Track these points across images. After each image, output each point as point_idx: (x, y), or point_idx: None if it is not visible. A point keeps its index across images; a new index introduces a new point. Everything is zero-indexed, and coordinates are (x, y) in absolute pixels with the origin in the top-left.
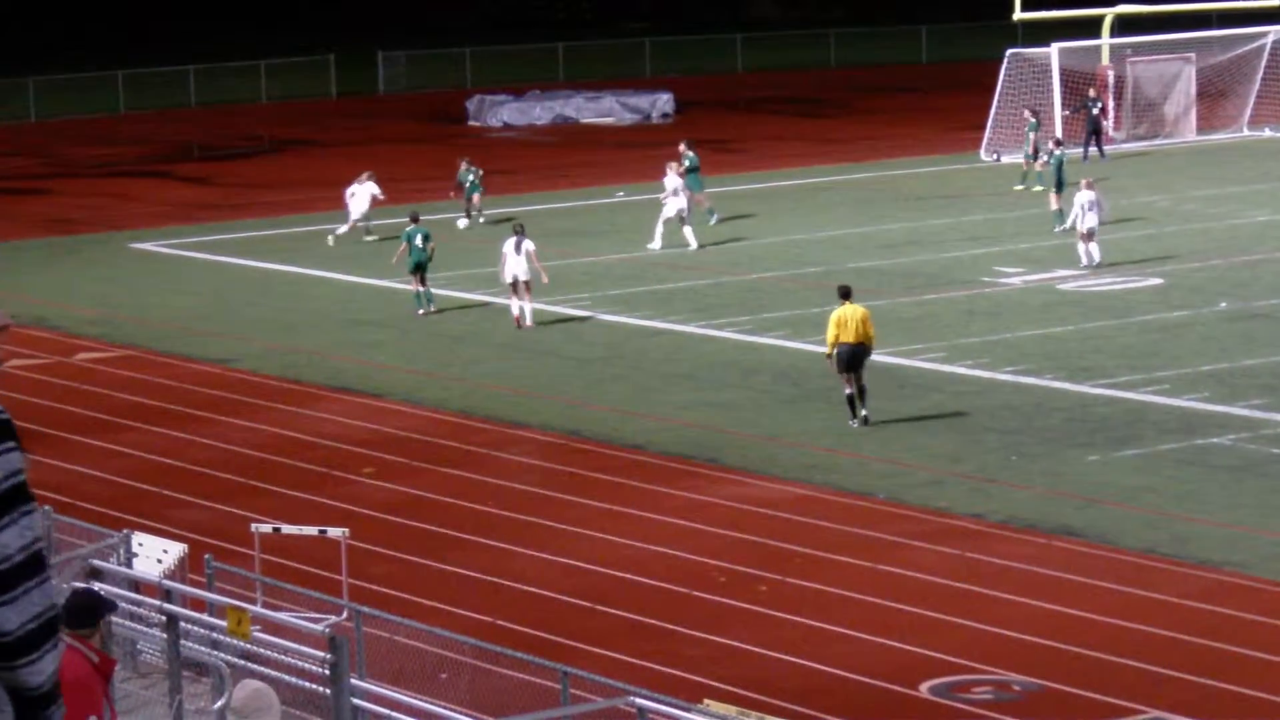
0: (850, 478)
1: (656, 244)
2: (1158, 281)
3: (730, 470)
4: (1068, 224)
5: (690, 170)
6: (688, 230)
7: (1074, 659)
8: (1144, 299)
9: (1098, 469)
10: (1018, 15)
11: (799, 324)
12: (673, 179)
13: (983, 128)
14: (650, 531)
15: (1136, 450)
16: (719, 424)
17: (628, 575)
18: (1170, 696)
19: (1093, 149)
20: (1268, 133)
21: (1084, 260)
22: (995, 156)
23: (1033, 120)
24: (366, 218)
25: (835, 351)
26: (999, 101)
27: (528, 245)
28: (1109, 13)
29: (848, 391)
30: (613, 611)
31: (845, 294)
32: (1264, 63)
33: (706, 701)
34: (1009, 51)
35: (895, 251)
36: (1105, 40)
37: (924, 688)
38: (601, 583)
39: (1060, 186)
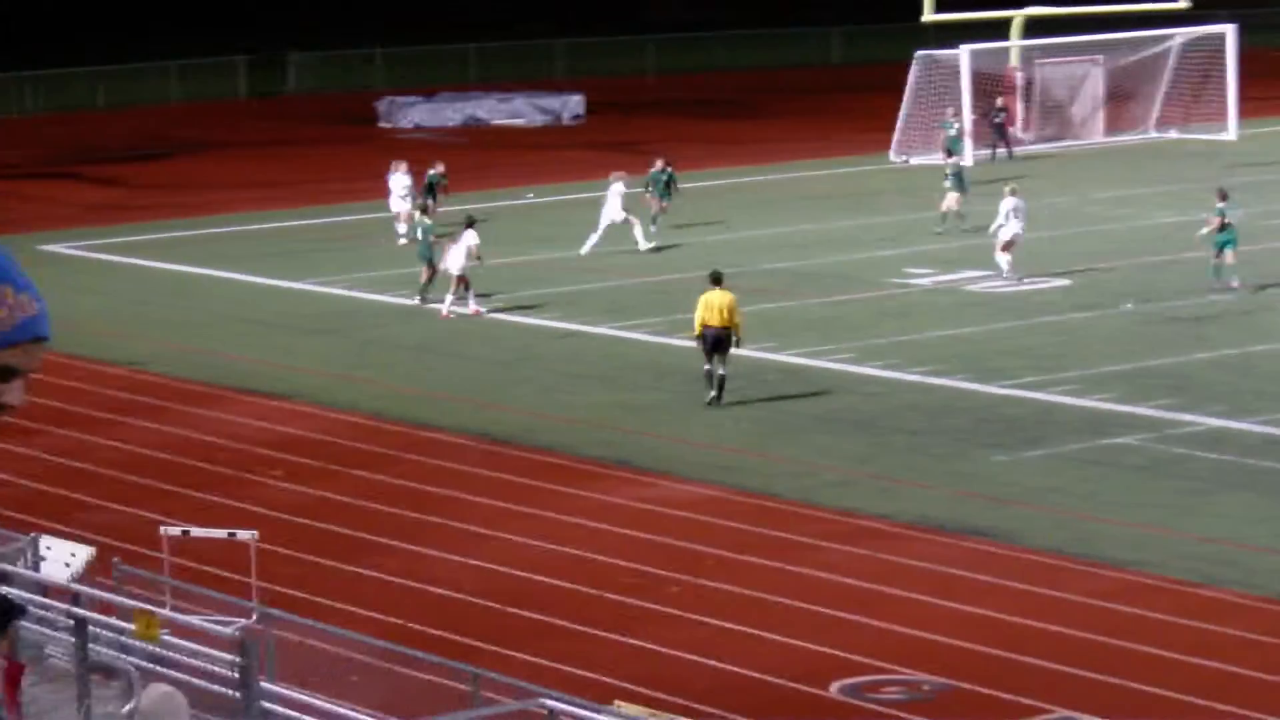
0: (759, 479)
1: (591, 245)
2: (1064, 283)
3: (641, 472)
4: (991, 229)
5: (665, 181)
6: (638, 230)
7: (983, 658)
8: (1051, 300)
9: (1005, 469)
10: (927, 17)
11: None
12: (618, 187)
13: (892, 130)
14: (561, 533)
15: (1043, 450)
16: (630, 425)
17: (539, 577)
18: (1078, 695)
19: (1000, 150)
20: (1174, 134)
21: (1005, 270)
22: (904, 159)
23: (953, 123)
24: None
25: (702, 333)
26: (909, 104)
27: (469, 239)
28: (1018, 15)
29: (706, 368)
30: (523, 613)
31: (716, 280)
32: (1171, 65)
33: (617, 702)
34: (918, 53)
35: (806, 253)
36: (1014, 42)
37: (834, 688)
38: (512, 584)
39: (961, 187)
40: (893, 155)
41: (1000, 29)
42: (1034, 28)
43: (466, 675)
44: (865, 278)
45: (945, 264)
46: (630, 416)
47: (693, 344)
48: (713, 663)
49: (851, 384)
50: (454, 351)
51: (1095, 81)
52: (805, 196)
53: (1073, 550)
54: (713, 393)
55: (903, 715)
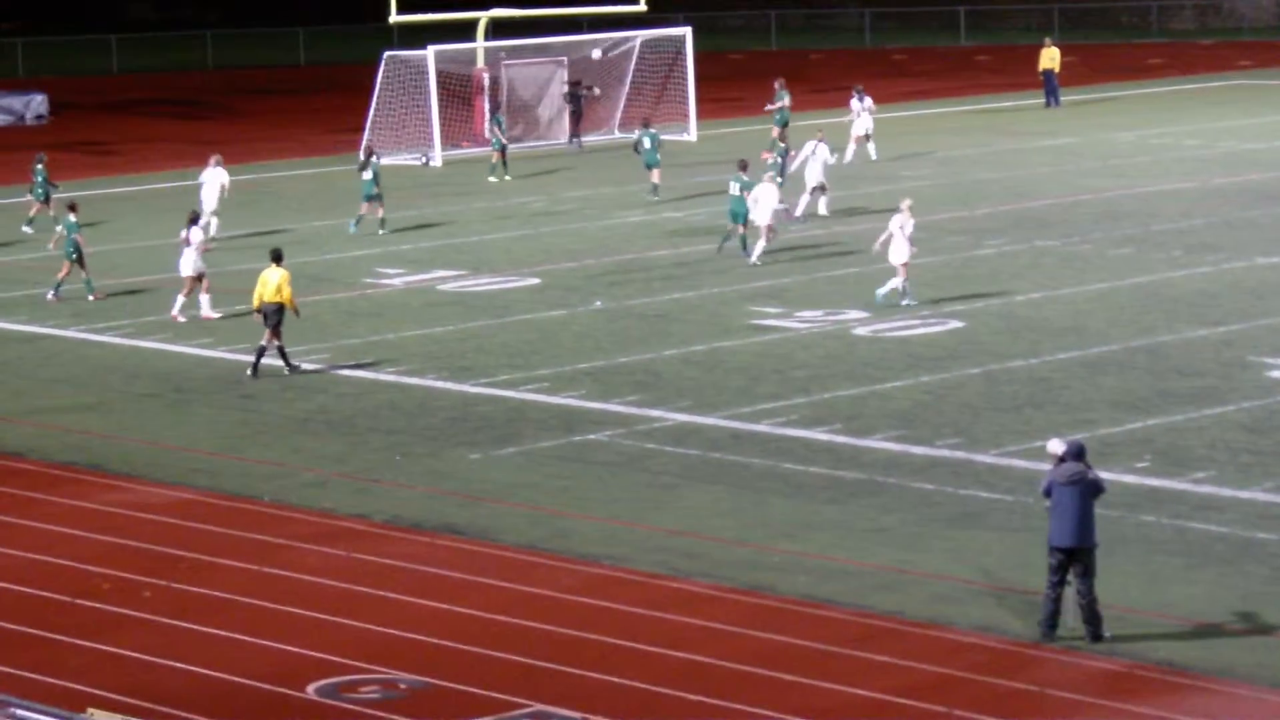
0: (234, 480)
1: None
2: (535, 281)
3: (113, 476)
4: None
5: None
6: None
7: (459, 655)
8: (522, 298)
9: (480, 467)
10: (394, 18)
11: (180, 328)
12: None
13: (361, 130)
14: (31, 539)
15: (517, 448)
16: (101, 429)
17: (8, 585)
18: (552, 689)
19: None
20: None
21: (799, 212)
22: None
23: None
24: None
25: (260, 308)
26: (377, 104)
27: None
28: (483, 16)
29: (262, 344)
30: None
31: (276, 257)
32: (633, 66)
33: (91, 711)
34: (385, 54)
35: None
36: (480, 43)
37: (310, 689)
38: None
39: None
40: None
41: (466, 30)
42: (499, 29)
43: None
44: (337, 278)
45: (416, 264)
46: (101, 420)
47: (253, 318)
48: (188, 667)
49: (327, 384)
50: None
51: (560, 83)
52: (277, 197)
53: (545, 546)
54: (256, 364)
55: (379, 714)
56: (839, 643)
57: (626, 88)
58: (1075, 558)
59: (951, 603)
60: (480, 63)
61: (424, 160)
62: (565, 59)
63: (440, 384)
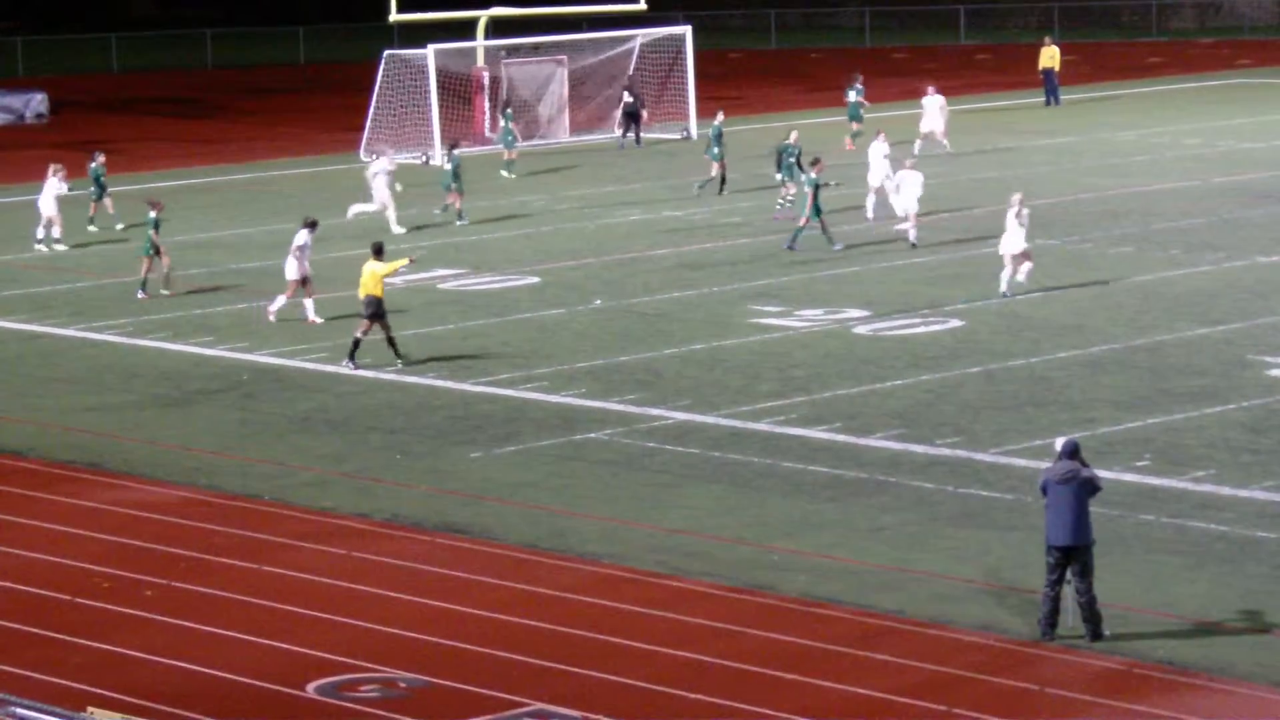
0: (234, 479)
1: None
2: (535, 280)
3: (113, 474)
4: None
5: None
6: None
7: (459, 654)
8: (521, 297)
9: (480, 466)
10: (394, 17)
11: (180, 326)
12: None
13: (361, 129)
14: (31, 538)
15: (517, 446)
16: (100, 428)
17: (8, 584)
18: (552, 688)
19: (630, 135)
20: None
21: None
22: (374, 157)
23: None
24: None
25: (365, 299)
26: (377, 102)
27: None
28: (483, 15)
29: (357, 335)
30: None
31: (376, 251)
32: (633, 65)
33: (91, 710)
34: (386, 53)
35: (279, 253)
36: (480, 42)
37: (310, 688)
38: None
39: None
40: (362, 154)
41: (466, 29)
42: (499, 28)
43: None
44: (337, 276)
45: (416, 263)
46: (100, 418)
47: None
48: (188, 666)
49: (327, 384)
50: None
51: (560, 81)
52: (277, 196)
53: (546, 545)
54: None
55: (379, 714)
56: (839, 642)
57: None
58: (1072, 556)
59: (952, 602)
60: (480, 61)
61: (424, 159)
62: (565, 58)
63: (440, 383)
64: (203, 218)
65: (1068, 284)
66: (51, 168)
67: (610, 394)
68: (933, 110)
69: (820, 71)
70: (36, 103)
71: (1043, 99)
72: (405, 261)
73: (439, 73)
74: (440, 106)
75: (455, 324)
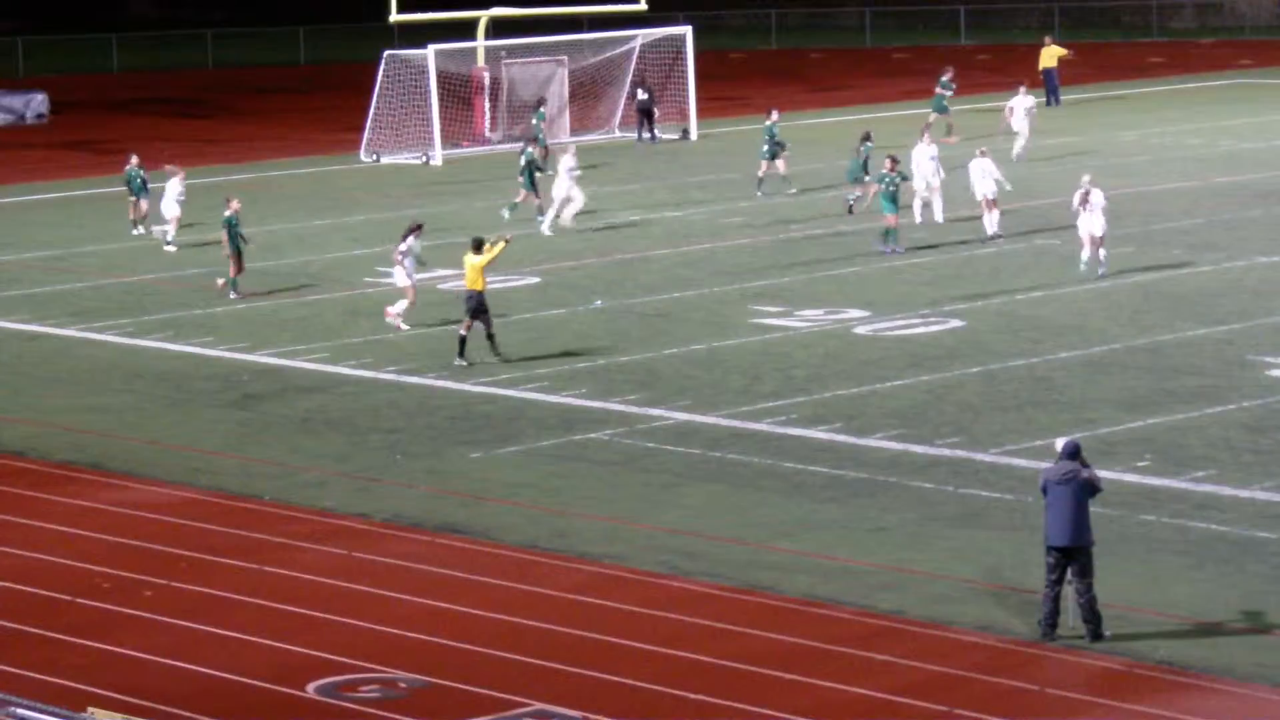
0: (235, 480)
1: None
2: (535, 280)
3: (114, 475)
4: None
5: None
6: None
7: (459, 654)
8: (522, 297)
9: (480, 466)
10: (394, 17)
11: (180, 326)
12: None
13: (362, 129)
14: (32, 538)
15: (517, 447)
16: (101, 428)
17: (8, 584)
18: (553, 688)
19: (647, 135)
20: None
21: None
22: (375, 157)
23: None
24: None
25: (466, 294)
26: (377, 103)
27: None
28: (483, 15)
29: (461, 333)
30: None
31: (476, 246)
32: (633, 65)
33: (91, 710)
34: (386, 53)
35: (279, 253)
36: (480, 42)
37: (311, 688)
38: None
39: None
40: (363, 154)
41: (466, 29)
42: (499, 28)
43: None
44: (337, 277)
45: (512, 242)
46: (100, 418)
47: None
48: (189, 666)
49: (327, 384)
50: None
51: (560, 82)
52: (278, 196)
53: (546, 545)
54: (496, 353)
55: (379, 714)
56: (839, 642)
57: (626, 87)
58: (1072, 556)
59: (952, 602)
60: (480, 62)
61: (424, 159)
62: (565, 58)
63: (440, 383)
64: (205, 218)
65: (1068, 284)
66: (168, 168)
67: (610, 394)
68: (1020, 113)
69: (821, 72)
70: (37, 103)
71: (1043, 99)
72: (501, 247)
73: (439, 73)
74: (441, 107)
75: (455, 324)
